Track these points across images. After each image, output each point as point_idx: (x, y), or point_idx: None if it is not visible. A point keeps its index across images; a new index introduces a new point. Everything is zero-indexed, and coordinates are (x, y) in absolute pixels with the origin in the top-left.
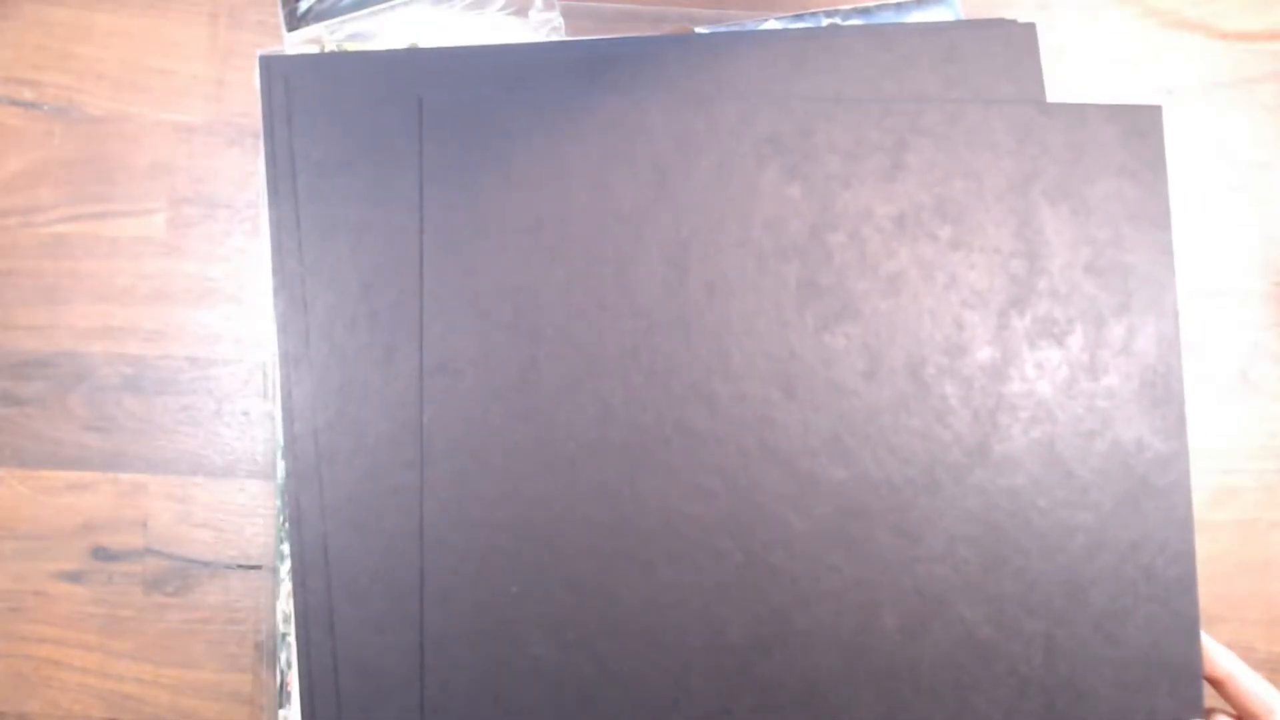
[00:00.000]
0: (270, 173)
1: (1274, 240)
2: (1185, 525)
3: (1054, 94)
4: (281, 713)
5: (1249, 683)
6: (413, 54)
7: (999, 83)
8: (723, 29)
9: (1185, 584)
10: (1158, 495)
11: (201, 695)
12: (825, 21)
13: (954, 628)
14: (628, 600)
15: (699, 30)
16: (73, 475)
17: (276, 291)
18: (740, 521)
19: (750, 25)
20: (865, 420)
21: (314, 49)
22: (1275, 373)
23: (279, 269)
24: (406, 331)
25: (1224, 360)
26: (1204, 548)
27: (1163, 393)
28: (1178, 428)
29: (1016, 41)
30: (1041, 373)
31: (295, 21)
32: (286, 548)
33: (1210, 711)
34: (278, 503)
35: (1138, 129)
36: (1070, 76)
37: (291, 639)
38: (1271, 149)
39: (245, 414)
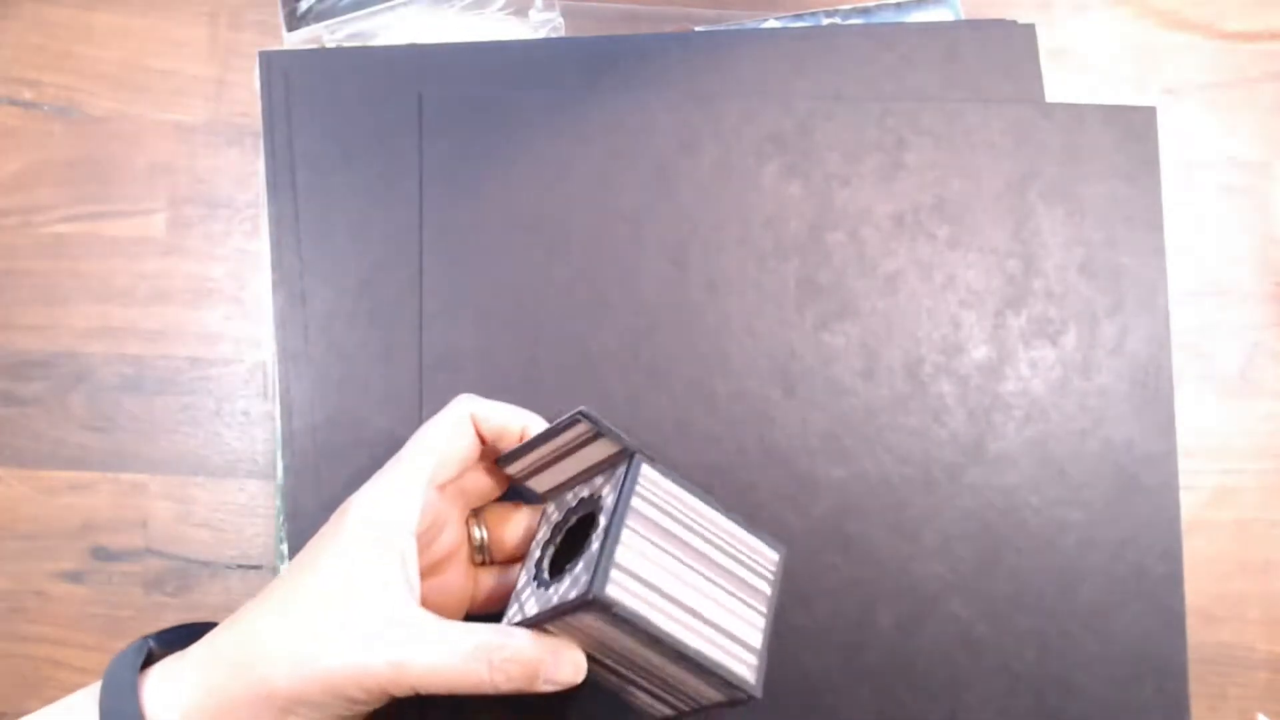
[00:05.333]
0: (270, 169)
1: (1274, 240)
2: (1173, 524)
3: (1054, 94)
4: None
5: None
6: (413, 50)
7: (998, 83)
8: (723, 28)
9: (1172, 581)
10: (1147, 494)
11: None
12: (825, 21)
13: (948, 625)
14: None
15: (699, 30)
16: (73, 475)
17: (275, 287)
18: None
19: (750, 25)
20: (863, 419)
21: (314, 49)
22: (1275, 373)
23: (278, 265)
24: (406, 328)
25: (1224, 360)
26: (1204, 548)
27: (1153, 393)
28: (1167, 427)
29: (1016, 42)
30: (1036, 372)
31: (295, 21)
32: (286, 547)
33: None
34: (278, 503)
35: (1132, 131)
36: (1070, 76)
37: None
38: (1271, 149)
39: (245, 414)
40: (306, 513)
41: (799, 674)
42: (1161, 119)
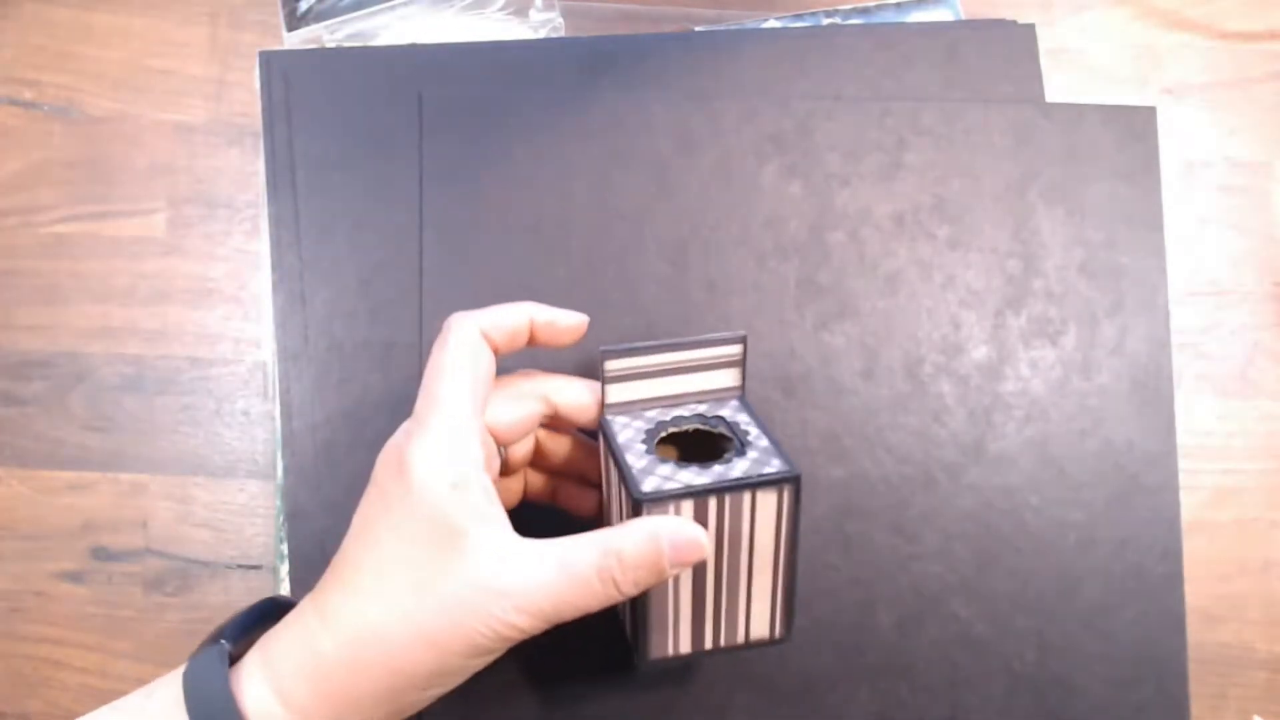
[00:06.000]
0: (270, 169)
1: (1274, 240)
2: (1173, 524)
3: (1053, 94)
4: None
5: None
6: (413, 50)
7: (998, 83)
8: (723, 28)
9: (1172, 582)
10: (1147, 494)
11: None
12: (825, 21)
13: (949, 625)
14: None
15: (699, 30)
16: (73, 475)
17: (275, 287)
18: None
19: (750, 25)
20: (863, 419)
21: (314, 49)
22: (1275, 373)
23: (278, 264)
24: (406, 327)
25: (1224, 360)
26: (1204, 548)
27: (1153, 393)
28: (1167, 427)
29: (1016, 42)
30: (1036, 372)
31: (295, 21)
32: (286, 548)
33: None
34: (278, 502)
35: (1132, 131)
36: (1070, 76)
37: None
38: (1271, 149)
39: (245, 414)
40: (306, 513)
41: (799, 674)
42: (1161, 119)
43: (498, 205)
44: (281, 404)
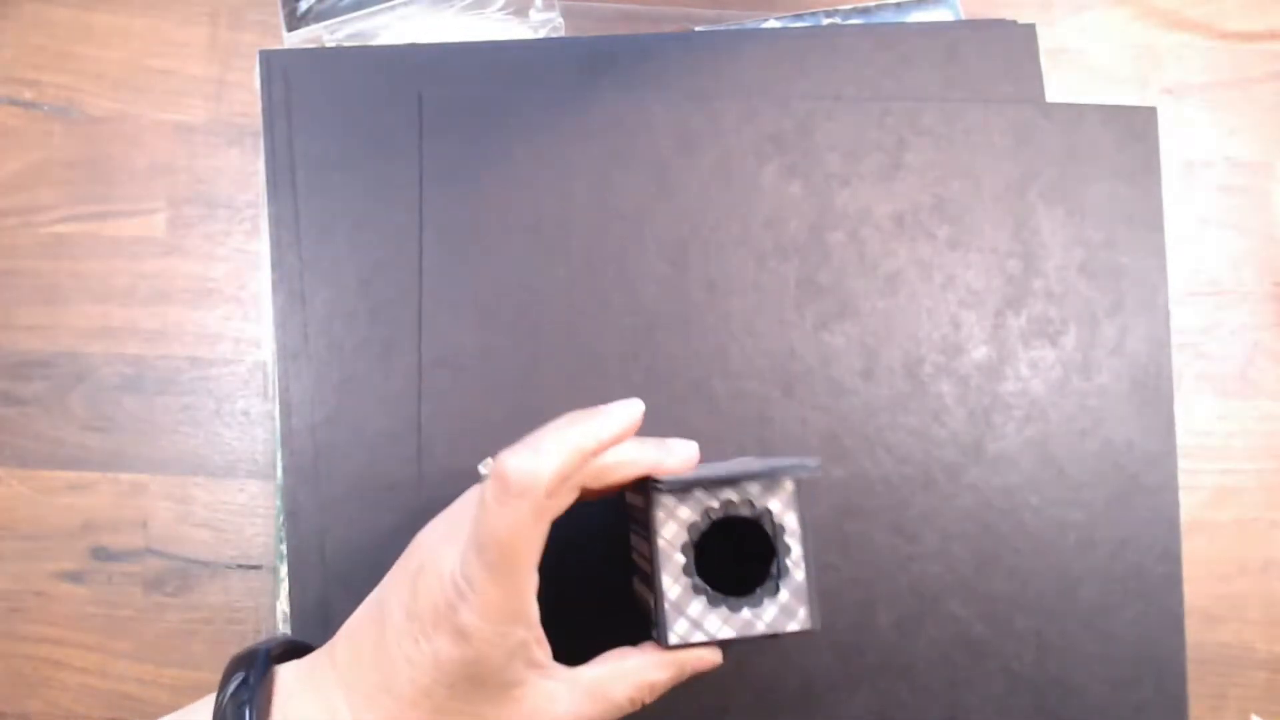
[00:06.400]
0: (270, 168)
1: (1274, 240)
2: (1173, 524)
3: (1053, 94)
4: None
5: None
6: (413, 50)
7: (998, 83)
8: (723, 28)
9: (1172, 582)
10: (1147, 494)
11: (201, 695)
12: (825, 21)
13: (948, 626)
14: (624, 598)
15: (699, 30)
16: (73, 475)
17: (275, 287)
18: None
19: (750, 25)
20: (863, 419)
21: (314, 48)
22: (1275, 373)
23: (278, 264)
24: (406, 327)
25: (1224, 360)
26: (1204, 548)
27: (1153, 393)
28: (1167, 427)
29: (1016, 41)
30: (1035, 372)
31: (295, 21)
32: (286, 547)
33: None
34: (278, 502)
35: (1133, 131)
36: (1069, 76)
37: None
38: (1271, 149)
39: (245, 414)
40: (306, 512)
41: (798, 674)
42: (1161, 119)
43: (498, 205)
44: (281, 404)
